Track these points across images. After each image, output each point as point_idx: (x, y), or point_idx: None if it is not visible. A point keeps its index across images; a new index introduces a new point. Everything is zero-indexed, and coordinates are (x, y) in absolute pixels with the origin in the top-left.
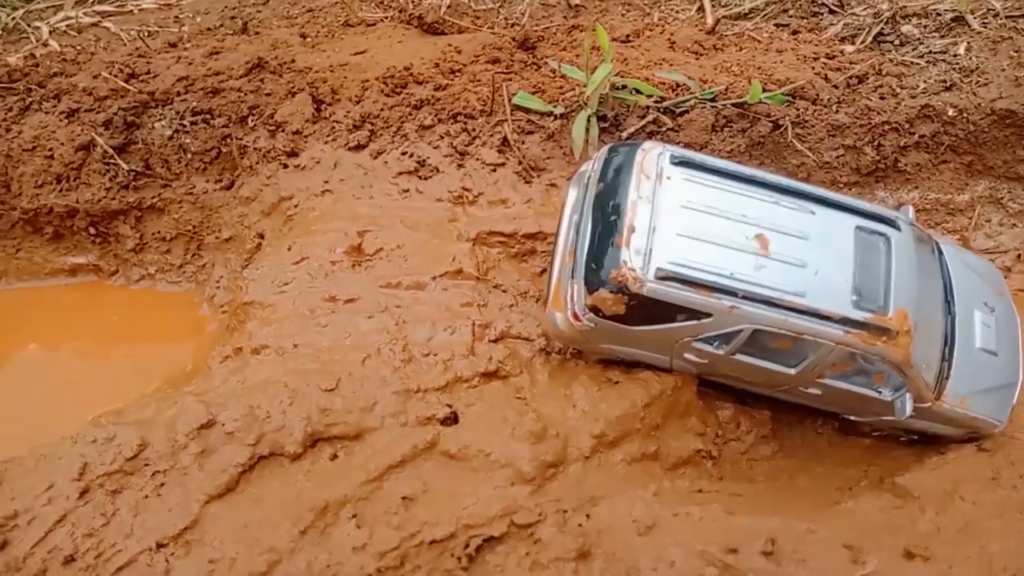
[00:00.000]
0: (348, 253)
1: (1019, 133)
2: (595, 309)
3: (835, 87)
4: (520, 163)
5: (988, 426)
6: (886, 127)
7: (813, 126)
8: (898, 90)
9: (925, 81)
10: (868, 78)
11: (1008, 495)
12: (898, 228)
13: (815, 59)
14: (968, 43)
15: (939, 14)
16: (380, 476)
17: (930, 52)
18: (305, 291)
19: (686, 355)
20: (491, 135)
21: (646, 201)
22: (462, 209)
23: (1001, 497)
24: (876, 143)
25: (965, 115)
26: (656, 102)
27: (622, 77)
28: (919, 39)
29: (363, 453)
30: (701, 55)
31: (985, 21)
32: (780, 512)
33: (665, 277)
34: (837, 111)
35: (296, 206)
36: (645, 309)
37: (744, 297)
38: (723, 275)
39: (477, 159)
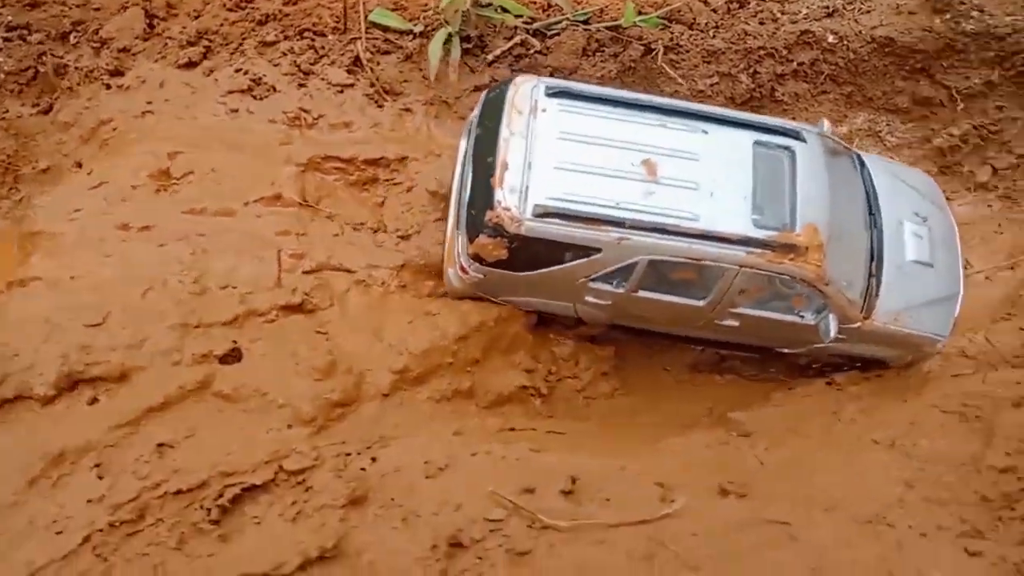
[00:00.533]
0: (153, 177)
1: (898, 63)
2: (478, 258)
3: (714, 11)
4: (372, 85)
5: (928, 342)
6: (762, 53)
7: (688, 51)
8: (778, 15)
9: (808, 7)
10: (749, 3)
11: (844, 429)
12: (803, 140)
13: None
14: None
15: None
16: (136, 420)
17: None
18: (98, 218)
19: (587, 298)
20: (342, 54)
21: (519, 136)
22: (298, 132)
23: (836, 431)
24: (752, 70)
25: (845, 42)
26: (525, 23)
27: None
28: None
29: (127, 395)
30: None
31: None
32: (602, 451)
33: (544, 214)
34: (714, 36)
35: (114, 130)
36: (528, 252)
37: (632, 227)
38: (608, 205)
39: (322, 79)
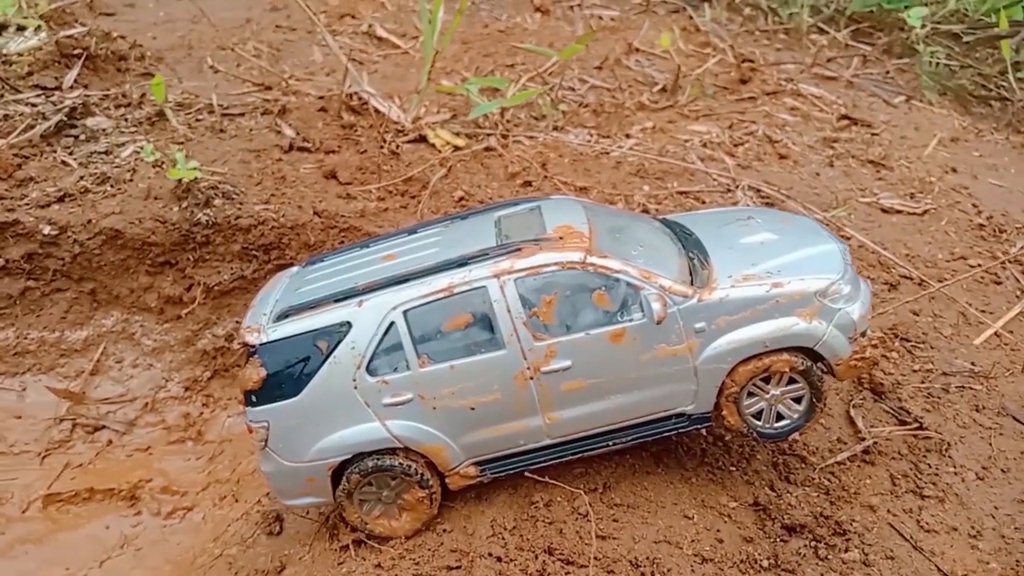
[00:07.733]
0: None
1: (138, 257)
2: (248, 398)
3: None
4: None
5: (813, 290)
6: None
7: None
8: None
9: (42, 190)
10: None
11: None
12: (549, 199)
13: None
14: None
15: (145, 105)
16: None
17: (94, 152)
18: None
19: (384, 401)
20: None
21: (270, 298)
22: None
23: None
24: None
25: (70, 234)
26: None
27: None
28: (110, 134)
29: None
30: None
31: (198, 117)
32: None
33: (282, 315)
34: None
35: None
36: (284, 359)
37: (368, 289)
38: (343, 287)
39: None
